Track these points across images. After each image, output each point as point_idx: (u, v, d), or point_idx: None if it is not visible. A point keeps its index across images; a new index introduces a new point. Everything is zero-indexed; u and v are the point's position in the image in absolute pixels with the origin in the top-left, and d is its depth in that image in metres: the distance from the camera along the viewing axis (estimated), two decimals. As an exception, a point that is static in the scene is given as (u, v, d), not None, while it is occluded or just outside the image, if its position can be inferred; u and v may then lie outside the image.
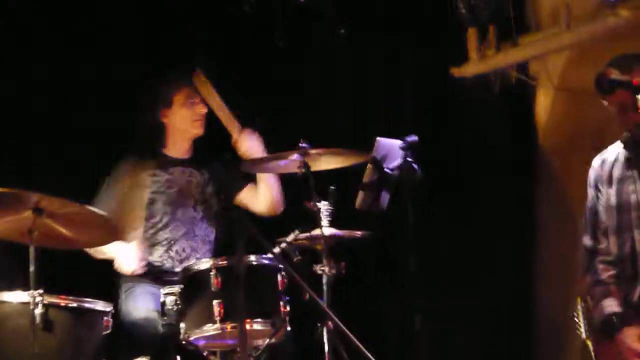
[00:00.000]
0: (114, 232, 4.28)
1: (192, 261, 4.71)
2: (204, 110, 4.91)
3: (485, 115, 5.94)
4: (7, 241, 4.18)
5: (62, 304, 4.11)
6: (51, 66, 5.33)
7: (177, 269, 4.73)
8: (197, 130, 4.96)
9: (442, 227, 5.74)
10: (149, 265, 4.80)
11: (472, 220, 5.83)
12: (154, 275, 4.80)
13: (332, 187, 4.60)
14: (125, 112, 5.08)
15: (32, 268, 3.99)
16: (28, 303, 3.98)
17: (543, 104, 5.97)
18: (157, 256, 4.85)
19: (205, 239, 4.94)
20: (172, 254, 4.85)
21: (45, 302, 4.01)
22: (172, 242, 4.86)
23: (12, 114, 5.21)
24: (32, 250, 4.00)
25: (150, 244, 4.86)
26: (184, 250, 4.87)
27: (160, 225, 4.87)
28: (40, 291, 3.99)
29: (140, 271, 4.71)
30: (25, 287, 4.01)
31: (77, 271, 5.02)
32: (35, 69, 5.30)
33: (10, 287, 4.10)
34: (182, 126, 4.95)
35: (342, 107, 5.92)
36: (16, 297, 4.07)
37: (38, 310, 3.98)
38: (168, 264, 4.83)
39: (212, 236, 4.97)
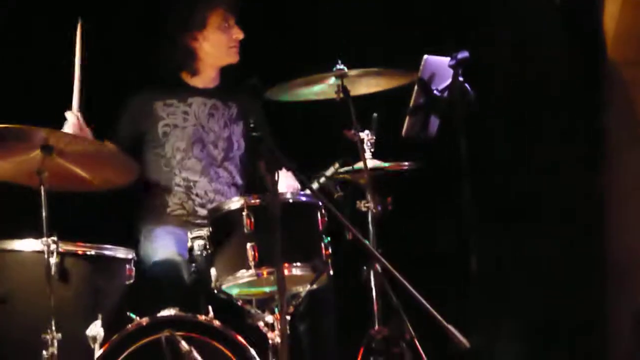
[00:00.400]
0: (130, 170, 4.09)
1: None
2: (241, 35, 4.65)
3: (544, 29, 5.59)
4: (14, 184, 4.03)
5: (79, 252, 3.99)
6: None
7: (202, 213, 4.55)
8: (232, 58, 4.69)
9: (499, 157, 5.49)
10: (169, 210, 4.60)
11: (534, 149, 5.53)
12: (176, 215, 4.60)
13: (375, 114, 4.41)
14: (147, 37, 4.86)
15: (44, 213, 3.83)
16: (42, 252, 3.85)
17: (610, 11, 5.58)
18: (177, 199, 4.62)
19: (230, 182, 4.70)
20: (193, 196, 4.62)
21: (60, 250, 3.90)
22: (192, 183, 4.63)
23: (18, 41, 5.07)
24: (43, 192, 3.82)
25: (166, 185, 4.62)
26: (206, 194, 4.63)
27: (174, 162, 4.63)
28: (54, 238, 3.86)
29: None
30: (38, 234, 3.86)
31: (90, 215, 4.82)
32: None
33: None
34: (216, 52, 4.67)
35: (378, 22, 5.62)
36: (29, 245, 3.95)
37: (53, 259, 3.87)
38: (190, 208, 4.61)
39: (238, 178, 4.73)
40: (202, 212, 4.55)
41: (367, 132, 4.37)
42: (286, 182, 4.49)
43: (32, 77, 5.06)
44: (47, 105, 4.67)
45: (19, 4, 5.09)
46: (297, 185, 4.49)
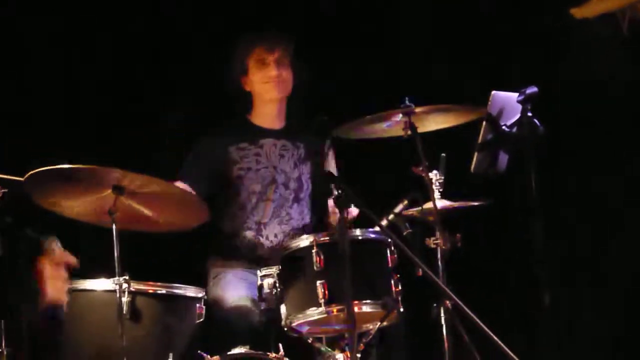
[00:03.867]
0: (200, 213, 4.13)
1: None
2: (274, 72, 4.74)
3: (612, 61, 5.55)
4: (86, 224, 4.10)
5: (150, 291, 4.05)
6: (133, 40, 5.34)
7: (272, 254, 4.60)
8: (270, 94, 4.78)
9: (569, 191, 5.48)
10: (239, 248, 4.67)
11: (603, 182, 5.50)
12: (245, 257, 4.66)
13: (443, 155, 4.46)
14: (212, 83, 5.01)
15: (116, 252, 3.90)
16: (114, 291, 3.93)
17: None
18: (247, 241, 4.70)
19: (300, 223, 4.77)
20: (263, 239, 4.70)
21: (132, 289, 3.96)
22: (262, 225, 4.71)
23: (92, 89, 5.22)
24: (114, 232, 3.90)
25: (238, 226, 4.70)
26: (276, 236, 4.71)
27: (248, 205, 4.71)
28: (126, 277, 3.93)
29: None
30: (109, 274, 3.94)
31: (158, 256, 4.94)
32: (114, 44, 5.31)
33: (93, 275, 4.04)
34: (259, 91, 4.80)
35: (443, 58, 5.67)
36: (101, 284, 4.01)
37: (125, 299, 3.93)
38: (259, 251, 4.68)
39: (308, 219, 4.80)
40: (272, 253, 4.60)
41: (435, 171, 4.40)
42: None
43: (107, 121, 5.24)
44: (120, 147, 4.82)
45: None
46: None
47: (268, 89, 4.76)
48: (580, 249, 5.50)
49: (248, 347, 4.05)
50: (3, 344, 3.83)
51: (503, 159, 4.46)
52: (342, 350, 4.07)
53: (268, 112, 4.81)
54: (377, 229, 4.14)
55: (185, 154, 4.78)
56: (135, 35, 5.34)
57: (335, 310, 4.01)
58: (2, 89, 5.03)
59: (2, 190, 4.04)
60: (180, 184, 4.51)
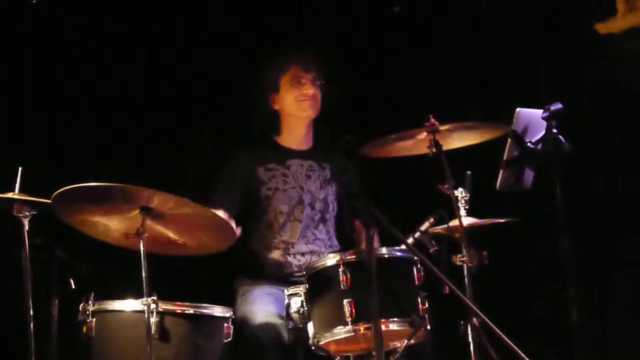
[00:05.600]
0: (228, 235, 4.14)
1: None
2: (310, 90, 4.78)
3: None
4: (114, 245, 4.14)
5: (178, 311, 4.08)
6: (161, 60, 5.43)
7: (298, 271, 4.64)
8: (306, 112, 4.81)
9: (596, 208, 5.42)
10: (266, 268, 4.70)
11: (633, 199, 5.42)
12: (273, 276, 4.68)
13: (469, 172, 4.46)
14: (240, 103, 5.08)
15: (144, 273, 3.91)
16: (142, 311, 3.94)
17: None
18: (275, 261, 4.73)
19: (326, 243, 4.80)
20: (290, 259, 4.72)
21: (160, 309, 3.97)
22: (290, 245, 4.73)
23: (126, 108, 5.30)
24: (142, 252, 3.92)
25: (265, 246, 4.73)
26: (303, 255, 4.73)
27: (275, 226, 4.74)
28: (154, 298, 3.94)
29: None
30: (137, 295, 3.96)
31: (186, 276, 4.96)
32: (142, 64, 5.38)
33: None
34: (289, 108, 4.82)
35: (469, 75, 5.70)
36: (129, 305, 4.05)
37: (153, 319, 3.95)
38: (286, 270, 4.70)
39: (334, 240, 4.84)
40: (299, 273, 4.61)
41: (461, 189, 4.40)
42: None
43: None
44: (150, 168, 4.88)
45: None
46: None
47: (304, 107, 4.78)
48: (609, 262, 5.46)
49: (276, 365, 4.09)
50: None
51: (529, 175, 4.47)
52: (370, 369, 4.10)
53: (297, 132, 4.84)
54: (403, 247, 4.17)
55: (214, 176, 4.81)
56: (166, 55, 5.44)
57: (362, 328, 4.04)
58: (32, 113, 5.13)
59: (31, 212, 4.14)
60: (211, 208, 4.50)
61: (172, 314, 4.03)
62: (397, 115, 4.84)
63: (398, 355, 4.13)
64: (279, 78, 4.81)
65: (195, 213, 4.00)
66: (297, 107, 4.78)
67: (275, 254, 4.71)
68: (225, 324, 4.15)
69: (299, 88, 4.78)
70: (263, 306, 4.45)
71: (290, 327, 4.29)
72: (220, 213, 4.35)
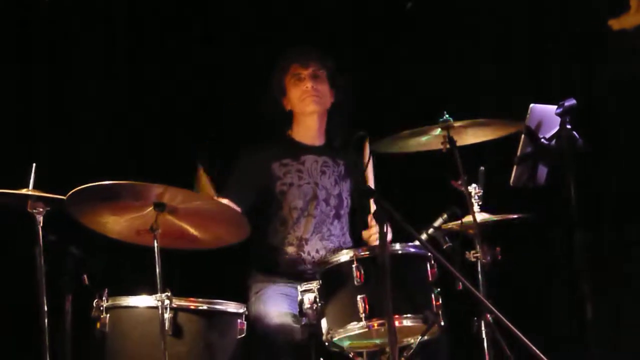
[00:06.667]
0: (242, 228, 4.16)
1: None
2: (309, 84, 4.81)
3: None
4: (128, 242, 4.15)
5: (192, 307, 4.09)
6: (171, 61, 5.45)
7: (312, 269, 4.63)
8: (310, 108, 4.83)
9: (610, 204, 5.42)
10: (280, 264, 4.71)
11: None
12: (287, 272, 4.69)
13: (482, 168, 4.48)
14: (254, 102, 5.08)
15: (157, 269, 3.94)
16: (156, 307, 3.97)
17: None
18: (288, 257, 4.74)
19: (340, 239, 4.81)
20: (304, 255, 4.73)
21: (173, 305, 4.00)
22: (304, 241, 4.75)
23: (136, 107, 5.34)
24: (156, 249, 3.94)
25: (279, 241, 4.75)
26: (317, 252, 4.74)
27: (290, 221, 4.75)
28: (168, 294, 3.97)
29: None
30: (151, 291, 3.99)
31: (199, 272, 5.00)
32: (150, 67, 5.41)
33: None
34: (297, 108, 4.86)
35: (484, 72, 5.69)
36: (143, 301, 4.07)
37: (167, 315, 3.97)
38: (300, 267, 4.71)
39: (348, 236, 4.85)
40: (313, 268, 4.62)
41: (474, 185, 4.42)
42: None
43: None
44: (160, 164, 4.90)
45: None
46: None
47: (307, 103, 4.80)
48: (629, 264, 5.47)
49: (290, 361, 4.10)
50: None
51: (542, 172, 4.48)
52: (383, 365, 4.11)
53: (309, 127, 4.86)
54: (417, 243, 4.17)
55: (228, 170, 4.82)
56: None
57: (376, 324, 4.05)
58: (45, 111, 5.16)
59: (45, 209, 4.16)
60: (223, 200, 4.57)
61: (186, 310, 4.05)
62: (411, 111, 4.82)
63: (412, 351, 4.14)
64: (284, 79, 4.86)
65: (208, 206, 4.04)
66: (301, 105, 4.83)
67: (289, 250, 4.72)
68: (239, 320, 4.17)
69: (300, 85, 4.82)
70: (276, 307, 4.47)
71: (303, 323, 4.28)
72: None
